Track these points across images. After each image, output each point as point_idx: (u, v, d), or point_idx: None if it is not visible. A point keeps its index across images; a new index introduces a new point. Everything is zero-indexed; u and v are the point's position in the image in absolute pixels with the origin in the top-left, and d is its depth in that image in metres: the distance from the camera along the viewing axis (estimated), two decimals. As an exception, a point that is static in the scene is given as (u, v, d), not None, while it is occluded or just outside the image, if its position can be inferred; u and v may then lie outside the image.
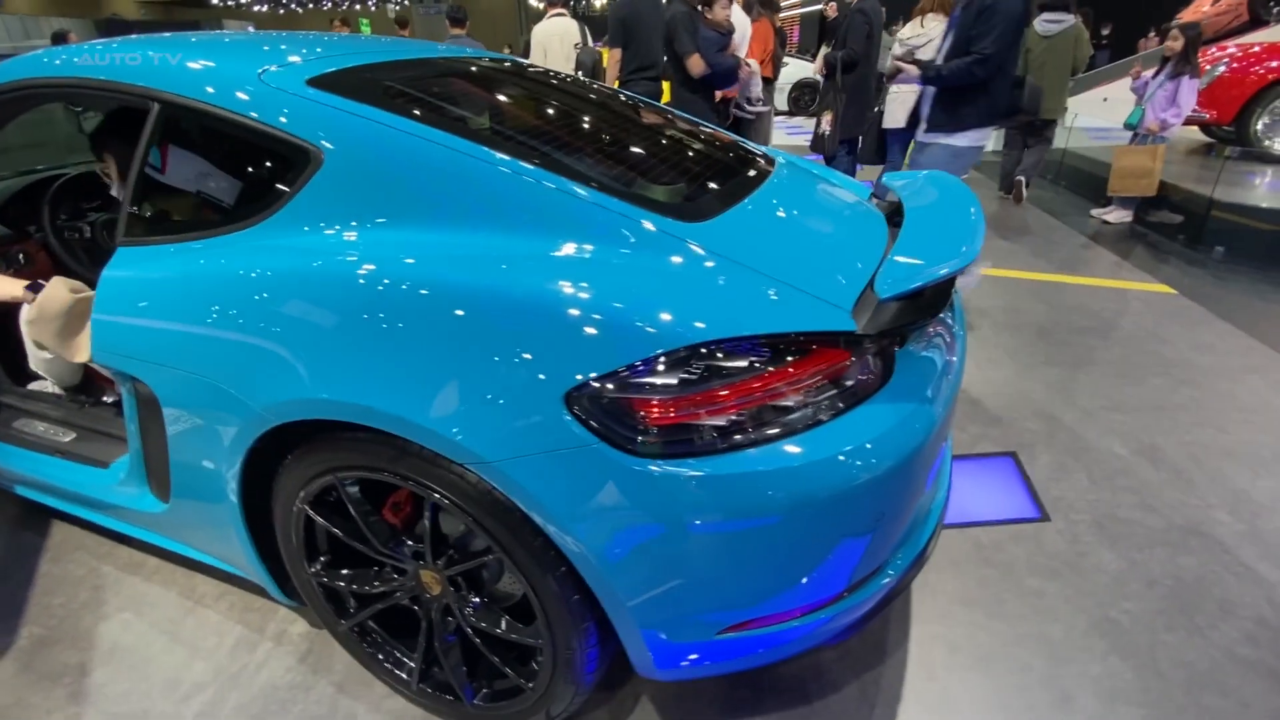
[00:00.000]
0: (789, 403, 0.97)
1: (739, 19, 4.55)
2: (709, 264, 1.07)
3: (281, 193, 1.18)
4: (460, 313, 0.97)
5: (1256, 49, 5.48)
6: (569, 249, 1.05)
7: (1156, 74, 4.67)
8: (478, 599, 1.21)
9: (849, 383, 1.02)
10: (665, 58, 4.08)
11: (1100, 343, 3.04)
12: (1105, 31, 10.55)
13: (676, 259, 1.06)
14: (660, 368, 0.93)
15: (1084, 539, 1.85)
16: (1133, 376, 2.76)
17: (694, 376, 0.94)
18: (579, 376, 0.92)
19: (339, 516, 1.25)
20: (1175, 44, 4.48)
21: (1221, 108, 5.39)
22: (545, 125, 1.51)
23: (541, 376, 0.93)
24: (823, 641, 1.15)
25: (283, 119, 1.19)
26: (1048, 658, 1.50)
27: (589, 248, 1.05)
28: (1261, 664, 1.47)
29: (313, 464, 1.15)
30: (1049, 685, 1.43)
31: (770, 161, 1.66)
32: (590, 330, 0.94)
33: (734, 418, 0.95)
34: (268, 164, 1.24)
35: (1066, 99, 5.21)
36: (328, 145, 1.16)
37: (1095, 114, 7.67)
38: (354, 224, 1.13)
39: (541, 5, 4.82)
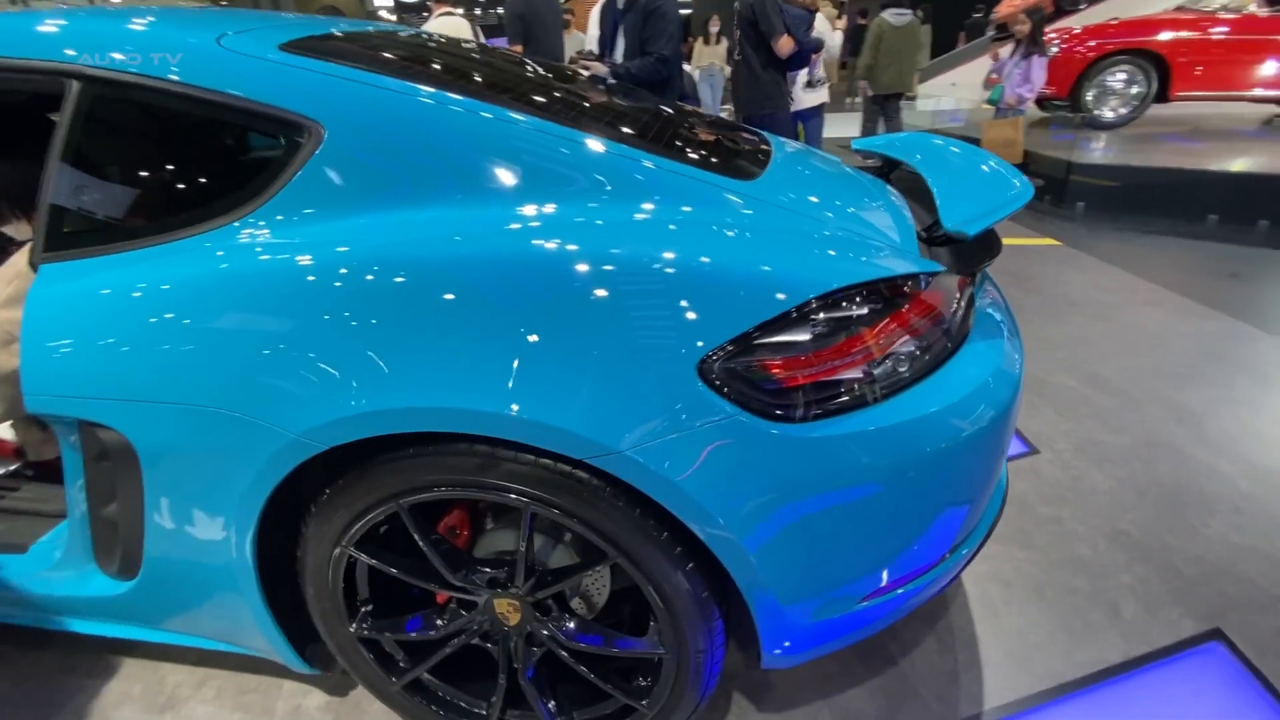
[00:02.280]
0: (910, 348, 0.94)
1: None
2: (790, 219, 1.01)
3: (275, 176, 0.98)
4: (571, 289, 0.85)
5: (1078, 31, 6.28)
6: (655, 214, 0.95)
7: (1011, 55, 5.20)
8: (573, 617, 1.07)
9: (947, 326, 1.01)
10: (738, 40, 3.92)
11: (1019, 293, 3.32)
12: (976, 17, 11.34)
13: (760, 216, 1.00)
14: (790, 324, 0.86)
15: (1074, 465, 1.99)
16: (1054, 319, 3.03)
17: (824, 330, 0.87)
18: (711, 343, 0.83)
19: (392, 554, 1.06)
20: (1023, 27, 5.01)
21: (1058, 83, 6.11)
22: (551, 97, 1.38)
23: (670, 347, 0.83)
24: (928, 599, 1.13)
25: (267, 90, 0.99)
26: (1086, 576, 1.58)
27: (686, 209, 0.95)
28: (1256, 549, 1.64)
29: (366, 494, 0.96)
30: (1096, 601, 1.51)
31: (761, 136, 1.63)
32: (714, 292, 0.85)
33: (867, 369, 0.89)
34: (247, 144, 1.03)
35: (915, 77, 5.88)
36: (332, 118, 0.98)
37: (948, 95, 8.50)
38: (385, 204, 0.96)
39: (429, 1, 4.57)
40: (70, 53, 1.03)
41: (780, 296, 0.85)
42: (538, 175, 0.96)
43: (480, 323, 0.85)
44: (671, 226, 0.92)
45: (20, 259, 1.28)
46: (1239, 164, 4.74)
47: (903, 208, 1.29)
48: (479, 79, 1.28)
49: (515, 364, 0.83)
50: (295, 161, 0.98)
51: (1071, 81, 6.08)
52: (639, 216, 0.94)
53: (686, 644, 0.98)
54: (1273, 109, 6.61)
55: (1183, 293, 3.24)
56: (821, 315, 0.87)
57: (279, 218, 0.97)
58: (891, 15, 5.51)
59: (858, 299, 0.90)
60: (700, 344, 0.83)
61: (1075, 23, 7.27)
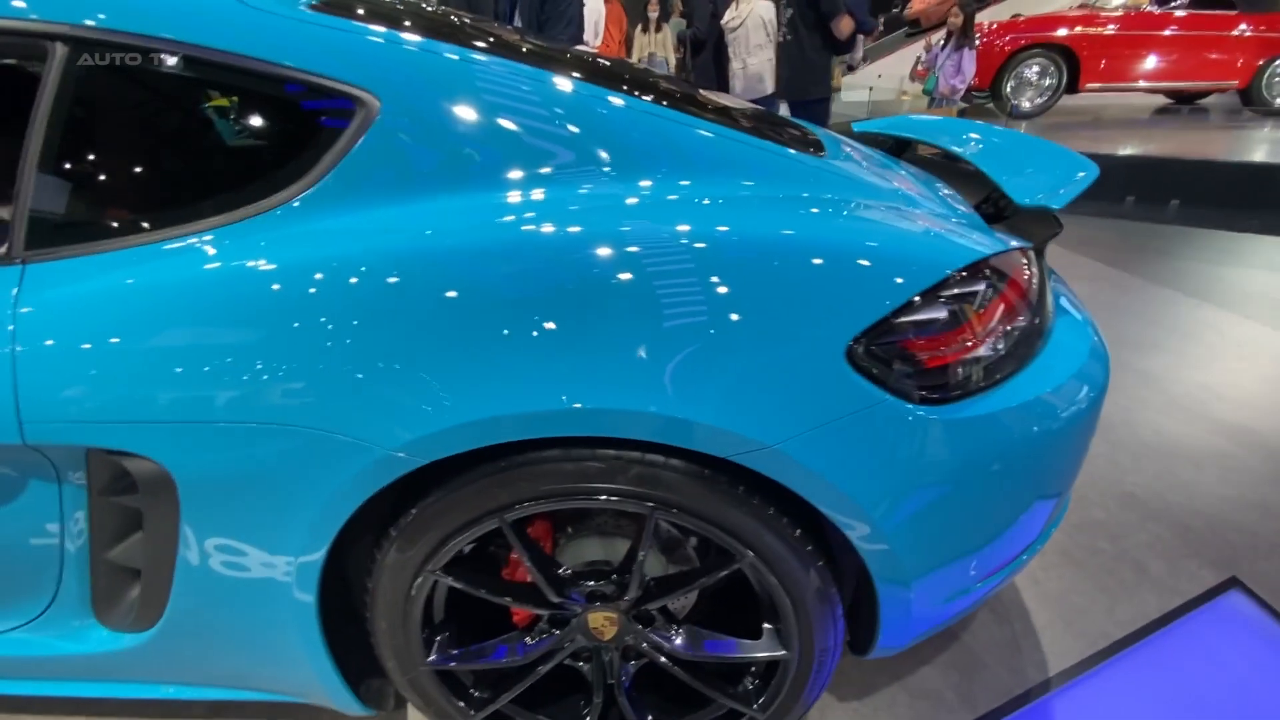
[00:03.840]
0: (1023, 323, 0.93)
1: (592, 2, 4.45)
2: (888, 200, 0.99)
3: (322, 154, 0.86)
4: (716, 275, 0.78)
5: (994, 26, 6.67)
6: (768, 193, 0.90)
7: (943, 47, 5.46)
8: (681, 625, 1.01)
9: (1042, 301, 1.01)
10: (790, 20, 3.75)
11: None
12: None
13: (857, 196, 0.97)
14: (926, 304, 0.83)
15: (1069, 433, 2.10)
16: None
17: (955, 309, 0.85)
18: (859, 326, 0.79)
19: (482, 575, 0.96)
20: (956, 20, 5.27)
21: (980, 75, 6.47)
22: (609, 74, 1.29)
23: (819, 333, 0.78)
24: None
25: (306, 55, 0.87)
26: (1106, 537, 1.66)
27: (805, 193, 0.91)
28: (1247, 500, 1.78)
29: (464, 510, 0.86)
30: (1122, 560, 1.59)
31: (798, 124, 1.61)
32: (858, 273, 0.81)
33: (995, 346, 0.88)
34: (283, 118, 0.91)
35: (838, 71, 6.16)
36: (388, 89, 0.87)
37: (875, 87, 8.85)
38: (459, 186, 0.86)
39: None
40: (52, 11, 0.86)
41: (919, 276, 0.82)
42: (644, 154, 0.89)
43: (623, 315, 0.77)
44: (804, 207, 0.87)
45: None
46: (1145, 149, 5.19)
47: (938, 186, 1.30)
48: (528, 53, 1.19)
49: (662, 360, 0.76)
50: (345, 138, 0.86)
51: (992, 73, 6.46)
52: (759, 197, 0.88)
53: (812, 644, 0.94)
54: (1164, 99, 7.27)
55: (1120, 268, 3.50)
56: (953, 293, 0.85)
57: (335, 201, 0.86)
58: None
59: (976, 277, 0.89)
60: (848, 327, 0.79)
61: (982, 18, 7.74)
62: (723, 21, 4.31)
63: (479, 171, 0.87)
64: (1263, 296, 3.17)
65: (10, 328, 0.83)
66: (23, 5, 0.87)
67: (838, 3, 3.62)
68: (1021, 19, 7.04)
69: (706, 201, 0.86)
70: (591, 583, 0.97)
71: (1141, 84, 6.51)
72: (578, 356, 0.77)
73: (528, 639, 1.02)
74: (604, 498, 0.85)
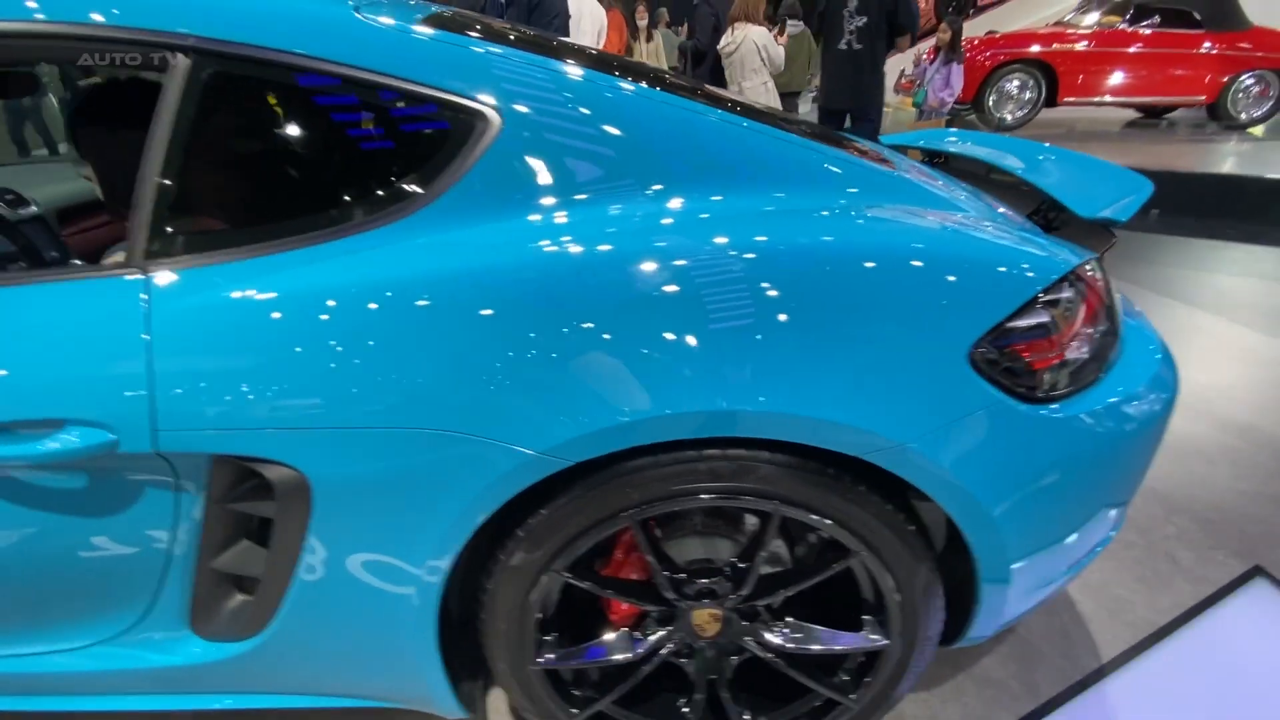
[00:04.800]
0: (1104, 328, 1.00)
1: (593, 10, 4.50)
2: (971, 213, 1.05)
3: (446, 167, 0.89)
4: (850, 280, 0.83)
5: (976, 42, 6.89)
6: (872, 204, 0.95)
7: (932, 61, 5.63)
8: (786, 620, 1.04)
9: (1114, 308, 1.08)
10: (860, 29, 3.70)
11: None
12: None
13: (952, 210, 1.03)
14: (1032, 309, 0.89)
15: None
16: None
17: (1053, 314, 0.91)
18: (979, 329, 0.85)
19: (593, 575, 0.99)
20: (945, 35, 5.44)
21: (964, 89, 6.69)
22: (692, 90, 1.33)
23: (945, 335, 0.84)
24: None
25: (424, 69, 0.90)
26: (1136, 531, 1.75)
27: (910, 206, 0.97)
28: (1259, 493, 1.89)
29: (597, 510, 0.89)
30: (1153, 552, 1.68)
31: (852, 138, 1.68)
32: (977, 279, 0.87)
33: (1087, 350, 0.95)
34: (400, 131, 0.93)
35: (808, 74, 6.28)
36: (509, 104, 0.90)
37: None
38: (591, 198, 0.90)
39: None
40: (178, 21, 0.88)
41: (1027, 284, 0.88)
42: (759, 169, 0.94)
43: (769, 320, 0.82)
44: (915, 219, 0.93)
45: None
46: (1122, 161, 5.41)
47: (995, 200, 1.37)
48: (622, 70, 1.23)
49: (806, 362, 0.81)
50: (470, 152, 0.89)
51: (975, 87, 6.67)
52: (871, 210, 0.94)
53: (916, 634, 0.99)
54: (1133, 113, 7.59)
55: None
56: (1052, 299, 0.91)
57: (462, 212, 0.88)
58: (789, 26, 5.91)
59: (1068, 285, 0.95)
60: (970, 331, 0.84)
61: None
62: (719, 47, 4.41)
63: (606, 183, 0.90)
64: (1249, 303, 3.34)
65: (145, 337, 0.84)
66: (146, 15, 0.88)
67: (915, 18, 3.69)
68: (1000, 35, 7.30)
69: (826, 213, 0.91)
70: (704, 580, 1.00)
71: (1116, 98, 6.79)
72: (727, 359, 0.81)
73: (637, 635, 1.05)
74: (731, 498, 0.89)
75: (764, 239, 0.85)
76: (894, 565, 0.93)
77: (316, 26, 0.91)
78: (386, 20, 0.95)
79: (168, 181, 0.88)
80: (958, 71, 5.47)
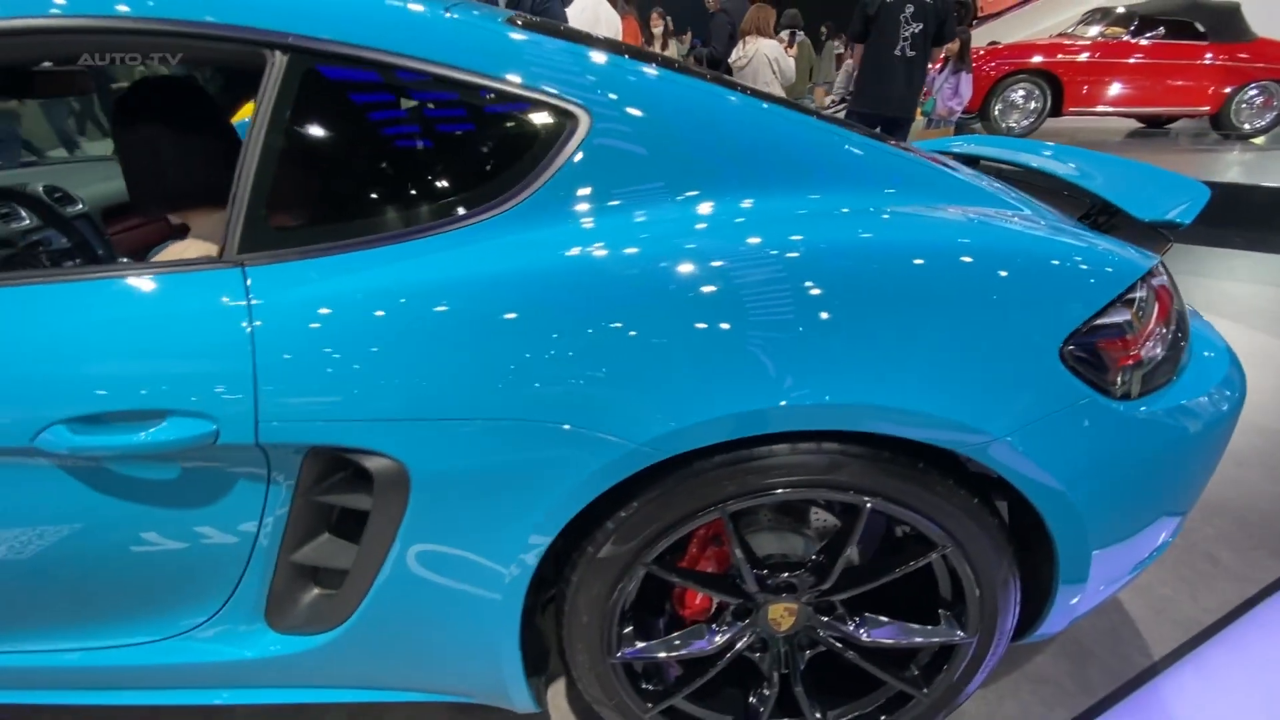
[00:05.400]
0: (1174, 328, 1.02)
1: (609, 15, 4.53)
2: (1040, 215, 1.08)
3: (535, 166, 0.90)
4: (946, 277, 0.85)
5: (982, 52, 6.97)
6: (964, 205, 0.98)
7: (941, 70, 5.69)
8: (864, 613, 1.06)
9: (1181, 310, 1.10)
10: (913, 36, 3.78)
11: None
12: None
13: (1022, 210, 1.05)
14: (1116, 308, 0.91)
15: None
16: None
17: (1134, 313, 0.93)
18: (1069, 326, 0.86)
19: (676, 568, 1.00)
20: (953, 46, 5.50)
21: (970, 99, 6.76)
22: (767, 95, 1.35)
23: (1037, 333, 0.86)
24: None
25: (514, 68, 0.91)
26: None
27: (996, 209, 0.99)
28: (1294, 494, 1.91)
29: (689, 502, 0.90)
30: (1194, 552, 1.70)
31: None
32: (1065, 278, 0.89)
33: (1162, 348, 0.96)
34: (487, 129, 0.94)
35: (808, 84, 6.35)
36: (594, 106, 0.92)
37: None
38: (680, 196, 0.91)
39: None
40: (279, 19, 0.89)
41: (1112, 283, 0.90)
42: (846, 171, 0.96)
43: (869, 314, 0.83)
44: (1003, 221, 0.95)
45: (188, 249, 1.09)
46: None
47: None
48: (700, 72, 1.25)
49: (906, 356, 0.83)
50: (561, 150, 0.91)
51: (981, 96, 6.73)
52: (952, 210, 0.96)
53: (993, 629, 1.00)
54: (1135, 123, 7.67)
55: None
56: (1131, 298, 0.93)
57: (553, 209, 0.90)
58: (785, 36, 6.08)
59: (1140, 285, 0.97)
60: (1061, 328, 0.86)
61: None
62: (730, 60, 4.45)
63: (699, 182, 0.92)
64: (1260, 308, 3.38)
65: (248, 330, 0.85)
66: (245, 13, 0.90)
67: (955, 29, 3.79)
68: (1004, 46, 7.39)
69: (917, 212, 0.93)
70: (786, 574, 1.01)
71: (1119, 109, 6.88)
72: (829, 353, 0.82)
73: (714, 629, 1.06)
74: (823, 491, 0.90)
75: (868, 236, 0.87)
76: (976, 559, 0.94)
77: (412, 26, 0.92)
78: (476, 22, 0.97)
79: (263, 177, 0.89)
80: (966, 80, 5.54)
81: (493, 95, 0.92)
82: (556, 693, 1.32)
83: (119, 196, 2.03)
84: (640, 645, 1.04)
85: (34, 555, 0.96)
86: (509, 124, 0.94)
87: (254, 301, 0.85)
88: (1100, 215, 1.26)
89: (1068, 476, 0.88)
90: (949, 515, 0.91)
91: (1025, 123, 6.82)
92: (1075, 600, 1.02)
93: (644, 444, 0.83)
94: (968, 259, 0.86)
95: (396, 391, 0.84)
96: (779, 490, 0.90)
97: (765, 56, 4.32)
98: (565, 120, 0.91)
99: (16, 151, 2.27)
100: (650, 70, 0.99)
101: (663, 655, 1.05)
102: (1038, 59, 6.76)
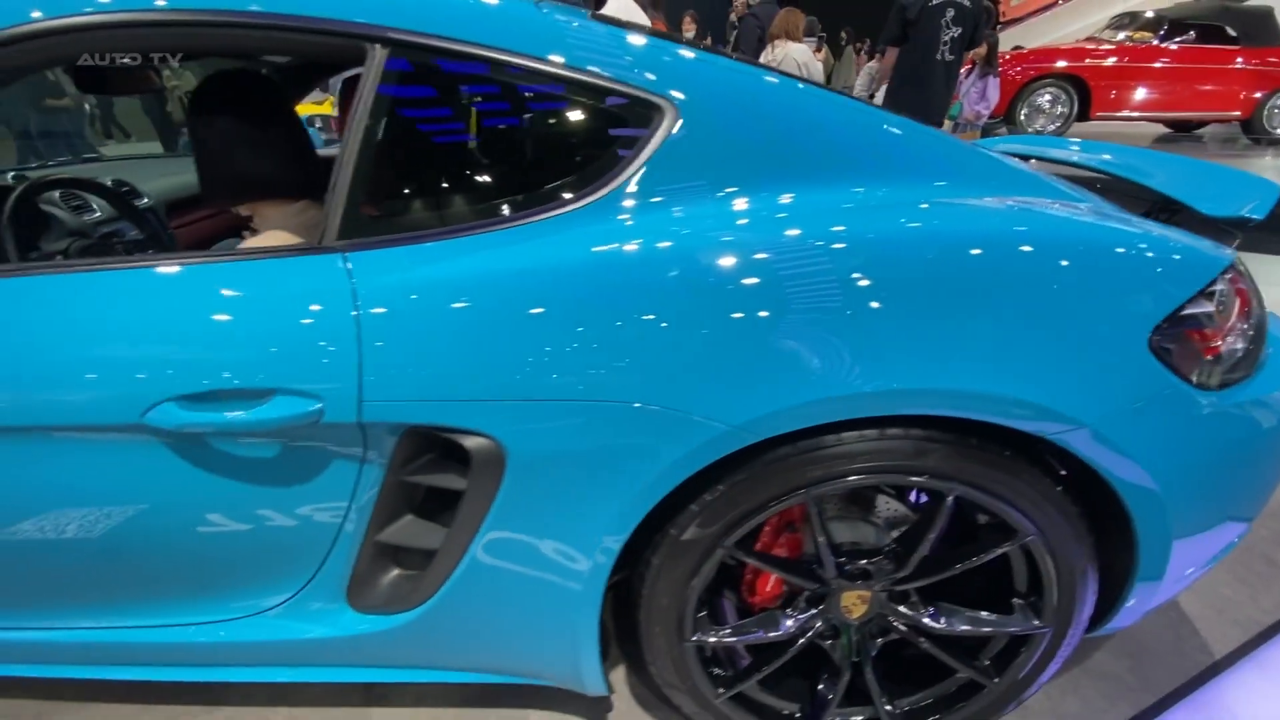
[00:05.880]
0: (1256, 321, 1.02)
1: (640, 19, 4.57)
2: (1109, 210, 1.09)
3: (623, 157, 0.93)
4: (1048, 265, 0.87)
5: (1008, 56, 6.94)
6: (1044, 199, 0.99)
7: (968, 74, 5.68)
8: (938, 602, 1.06)
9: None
10: (954, 40, 3.82)
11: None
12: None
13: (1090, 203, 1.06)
14: (1203, 298, 0.92)
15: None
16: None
17: (1218, 304, 0.94)
18: (1157, 316, 0.87)
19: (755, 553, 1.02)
20: (980, 50, 5.49)
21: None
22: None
23: (1127, 322, 0.87)
24: None
25: (616, 66, 0.94)
26: (1230, 533, 1.75)
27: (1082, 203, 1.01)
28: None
29: (774, 486, 0.92)
30: (1251, 553, 1.68)
31: None
32: (1153, 268, 0.91)
33: (1245, 340, 0.97)
34: (578, 121, 0.97)
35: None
36: (681, 98, 0.94)
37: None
38: (767, 185, 0.93)
39: None
40: (379, 14, 0.92)
41: (1198, 274, 0.91)
42: (924, 162, 0.98)
43: (964, 301, 0.85)
44: (1080, 210, 0.96)
45: (266, 240, 1.13)
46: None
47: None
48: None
49: (1001, 343, 0.84)
50: (652, 141, 0.93)
51: (1007, 101, 6.71)
52: (1038, 201, 0.97)
53: (1070, 619, 1.01)
54: (1162, 128, 7.60)
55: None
56: (1215, 290, 0.94)
57: (645, 197, 0.92)
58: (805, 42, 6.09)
59: (1221, 278, 0.98)
60: (1150, 316, 0.87)
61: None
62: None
63: (790, 172, 0.94)
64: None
65: (354, 312, 0.88)
66: (345, 7, 0.93)
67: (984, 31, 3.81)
68: (1028, 50, 7.35)
69: (1014, 203, 0.95)
70: (864, 561, 1.03)
71: (1148, 113, 6.82)
72: (923, 337, 0.84)
73: (788, 612, 1.07)
74: (907, 477, 0.91)
75: (962, 225, 0.89)
76: (1057, 548, 0.95)
77: (505, 21, 0.95)
78: (566, 17, 1.00)
79: (362, 166, 0.92)
80: (994, 84, 5.52)
81: (582, 88, 0.94)
82: (619, 677, 1.34)
83: (175, 192, 2.08)
84: (716, 629, 1.06)
85: (125, 532, 1.00)
86: (598, 116, 0.96)
87: (358, 286, 0.88)
88: (1161, 212, 1.26)
89: (1154, 465, 0.89)
90: (1033, 503, 0.92)
91: (1051, 127, 6.78)
92: (1150, 593, 1.02)
93: (737, 427, 0.85)
94: (1063, 249, 0.88)
95: (496, 373, 0.86)
96: (864, 476, 0.91)
97: (795, 61, 4.34)
98: (653, 112, 0.93)
99: (80, 147, 2.34)
100: (733, 63, 1.01)
101: (738, 640, 1.07)
102: (1064, 63, 6.72)
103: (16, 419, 0.90)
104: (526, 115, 0.97)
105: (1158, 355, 0.87)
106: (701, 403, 0.85)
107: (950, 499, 0.93)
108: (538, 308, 0.86)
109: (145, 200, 1.87)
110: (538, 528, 0.95)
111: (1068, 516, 0.93)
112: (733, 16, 6.59)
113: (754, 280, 0.85)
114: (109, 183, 1.80)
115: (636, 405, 0.86)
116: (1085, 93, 6.61)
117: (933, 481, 0.91)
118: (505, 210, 0.93)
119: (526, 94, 0.97)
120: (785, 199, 0.93)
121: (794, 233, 0.87)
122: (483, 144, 0.99)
